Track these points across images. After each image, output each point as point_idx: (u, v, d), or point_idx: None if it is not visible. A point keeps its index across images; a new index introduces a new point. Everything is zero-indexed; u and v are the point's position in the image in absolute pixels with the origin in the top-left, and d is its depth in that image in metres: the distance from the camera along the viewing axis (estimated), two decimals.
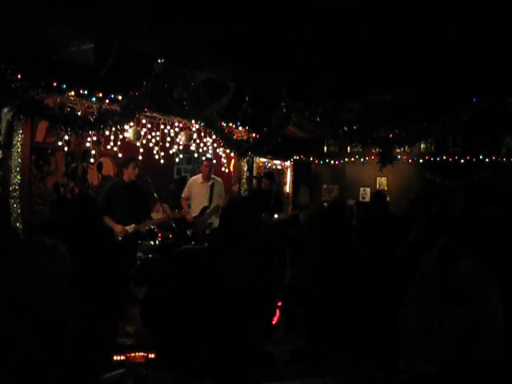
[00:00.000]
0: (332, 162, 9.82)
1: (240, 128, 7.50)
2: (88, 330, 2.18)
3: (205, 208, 6.61)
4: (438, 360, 2.47)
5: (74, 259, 2.15)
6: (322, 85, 6.86)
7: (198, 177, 6.94)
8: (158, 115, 6.46)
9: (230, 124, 7.26)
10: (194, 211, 6.72)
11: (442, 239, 2.70)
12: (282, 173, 9.94)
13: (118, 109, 5.44)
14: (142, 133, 6.36)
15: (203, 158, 7.77)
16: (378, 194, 6.29)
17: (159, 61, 5.64)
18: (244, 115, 7.48)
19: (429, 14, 5.00)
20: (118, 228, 5.42)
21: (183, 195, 6.94)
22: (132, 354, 2.14)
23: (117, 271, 3.68)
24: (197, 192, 6.81)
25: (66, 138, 5.42)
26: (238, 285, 2.30)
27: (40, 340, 1.94)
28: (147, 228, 6.10)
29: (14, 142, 5.01)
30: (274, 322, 2.79)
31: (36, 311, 1.98)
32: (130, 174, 5.65)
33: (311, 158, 10.11)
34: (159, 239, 6.44)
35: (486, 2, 4.65)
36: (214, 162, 8.23)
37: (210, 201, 6.64)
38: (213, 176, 6.88)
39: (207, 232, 6.52)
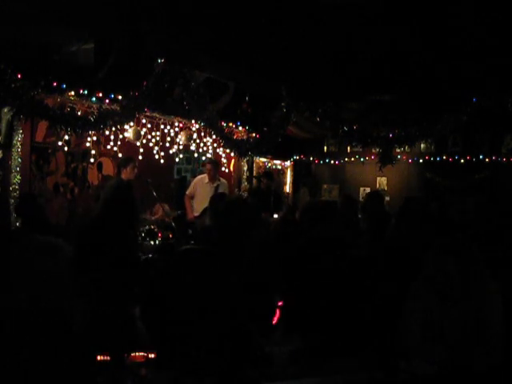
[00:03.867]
0: (332, 162, 9.82)
1: (240, 128, 7.50)
2: (96, 330, 2.18)
3: (205, 209, 6.61)
4: (437, 360, 2.47)
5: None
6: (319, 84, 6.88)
7: (204, 176, 6.91)
8: (158, 115, 6.46)
9: (230, 124, 7.25)
10: (197, 210, 6.72)
11: (442, 238, 2.70)
12: (281, 173, 9.93)
13: (118, 109, 5.44)
14: (142, 133, 6.35)
15: (203, 159, 7.78)
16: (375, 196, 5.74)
17: (159, 61, 5.64)
18: (244, 115, 7.48)
19: (429, 13, 5.01)
20: None
21: (188, 192, 6.94)
22: (132, 354, 2.13)
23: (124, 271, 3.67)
24: (201, 192, 6.79)
25: (66, 137, 5.42)
26: (238, 285, 2.30)
27: (44, 339, 1.94)
28: (147, 227, 6.11)
29: (14, 141, 5.01)
30: (274, 322, 2.79)
31: (40, 311, 1.98)
32: (128, 174, 5.68)
33: (311, 158, 10.10)
34: (159, 239, 6.44)
35: (486, 4, 4.66)
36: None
37: None
38: (218, 177, 6.89)
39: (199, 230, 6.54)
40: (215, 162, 7.01)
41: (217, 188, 6.70)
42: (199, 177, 7.09)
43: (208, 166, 6.82)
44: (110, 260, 3.23)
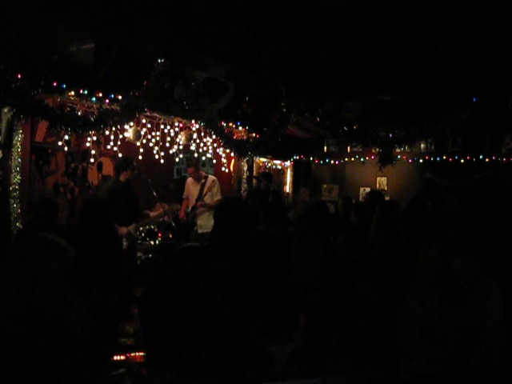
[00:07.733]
0: (332, 162, 9.82)
1: (240, 128, 7.50)
2: (92, 330, 2.18)
3: (193, 207, 6.75)
4: (437, 360, 2.47)
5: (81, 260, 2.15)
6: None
7: (191, 178, 7.12)
8: (158, 115, 6.45)
9: (230, 124, 7.26)
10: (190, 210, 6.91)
11: (442, 236, 2.70)
12: (282, 173, 9.93)
13: (118, 109, 5.43)
14: (142, 133, 6.35)
15: (203, 158, 7.82)
16: (375, 195, 5.85)
17: (159, 61, 5.64)
18: (244, 115, 7.48)
19: (429, 14, 5.01)
20: (122, 230, 5.46)
21: (183, 196, 7.13)
22: (132, 354, 2.13)
23: (120, 271, 3.68)
24: (191, 192, 7.03)
25: (66, 137, 5.42)
26: (237, 285, 2.30)
27: (45, 339, 1.94)
28: (147, 227, 6.12)
29: (14, 141, 5.00)
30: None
31: (41, 309, 1.98)
32: (127, 175, 5.69)
33: (311, 158, 10.11)
34: (159, 239, 6.45)
35: (486, 4, 4.67)
36: (214, 161, 8.24)
37: (198, 199, 6.78)
38: (205, 175, 7.06)
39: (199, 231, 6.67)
40: (194, 164, 7.11)
41: (203, 186, 6.83)
42: (188, 178, 7.24)
43: (189, 170, 7.01)
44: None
